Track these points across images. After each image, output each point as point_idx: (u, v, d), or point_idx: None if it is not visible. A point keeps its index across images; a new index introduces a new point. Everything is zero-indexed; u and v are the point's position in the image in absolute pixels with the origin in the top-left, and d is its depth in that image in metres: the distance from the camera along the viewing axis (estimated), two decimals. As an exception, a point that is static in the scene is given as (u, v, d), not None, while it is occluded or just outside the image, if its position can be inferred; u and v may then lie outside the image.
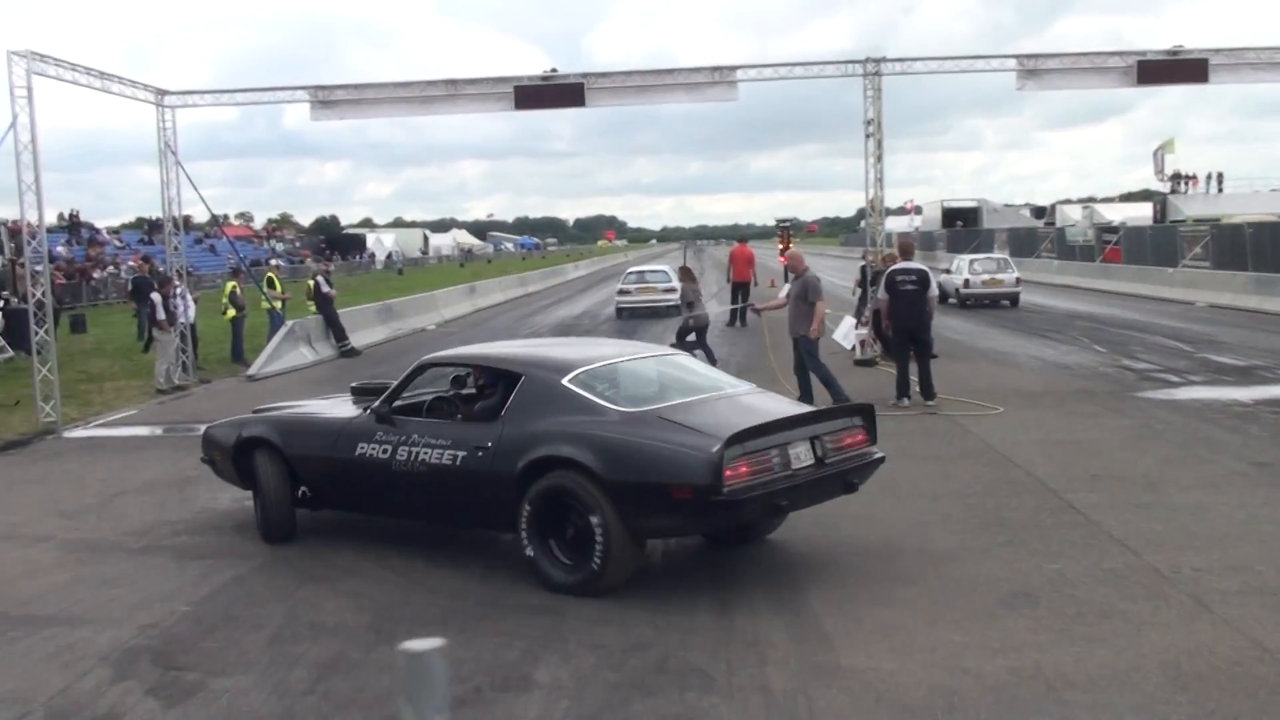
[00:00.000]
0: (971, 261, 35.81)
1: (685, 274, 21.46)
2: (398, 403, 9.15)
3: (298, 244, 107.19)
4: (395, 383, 9.38)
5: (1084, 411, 14.89)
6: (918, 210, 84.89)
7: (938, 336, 17.49)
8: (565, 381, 8.29)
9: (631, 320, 34.17)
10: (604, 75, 21.51)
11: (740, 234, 43.81)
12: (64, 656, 6.98)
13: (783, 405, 8.82)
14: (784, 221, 50.93)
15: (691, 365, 9.63)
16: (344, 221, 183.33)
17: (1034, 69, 21.03)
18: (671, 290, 41.19)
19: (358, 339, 26.34)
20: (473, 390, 9.49)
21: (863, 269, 22.71)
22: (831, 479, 8.17)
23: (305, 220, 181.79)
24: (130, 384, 21.01)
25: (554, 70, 21.41)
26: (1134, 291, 37.26)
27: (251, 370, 21.94)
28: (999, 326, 27.50)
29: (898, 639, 6.83)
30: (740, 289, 30.12)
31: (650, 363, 9.32)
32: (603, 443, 7.79)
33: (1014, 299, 33.86)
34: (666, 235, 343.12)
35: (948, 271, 37.32)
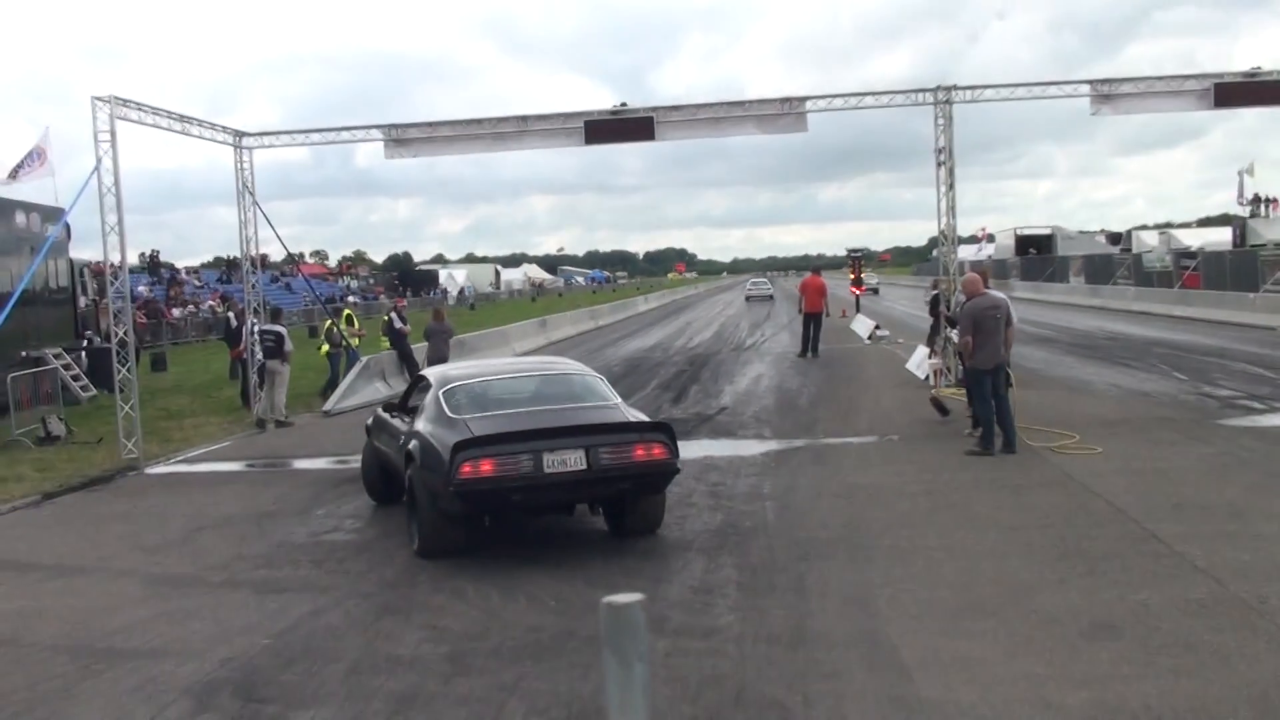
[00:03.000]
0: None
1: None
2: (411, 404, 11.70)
3: (371, 280, 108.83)
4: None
5: (1165, 439, 14.63)
6: (990, 238, 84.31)
7: (1014, 365, 17.28)
8: (439, 391, 10.59)
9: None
10: (674, 109, 21.60)
11: (811, 264, 43.85)
12: (147, 689, 7.08)
13: (579, 418, 10.06)
14: (855, 251, 51.08)
15: (583, 383, 11.10)
16: (416, 258, 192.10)
17: (1108, 94, 20.80)
18: (768, 290, 65.17)
19: (433, 373, 26.71)
20: None
21: (935, 297, 22.56)
22: (601, 481, 9.69)
23: (378, 257, 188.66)
24: (209, 420, 21.38)
25: (623, 104, 21.58)
26: (1213, 318, 36.57)
27: (327, 405, 22.23)
28: (1075, 355, 27.13)
29: (977, 671, 6.74)
30: (812, 320, 29.83)
31: (539, 379, 11.40)
32: (424, 438, 10.06)
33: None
34: (737, 267, 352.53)
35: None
